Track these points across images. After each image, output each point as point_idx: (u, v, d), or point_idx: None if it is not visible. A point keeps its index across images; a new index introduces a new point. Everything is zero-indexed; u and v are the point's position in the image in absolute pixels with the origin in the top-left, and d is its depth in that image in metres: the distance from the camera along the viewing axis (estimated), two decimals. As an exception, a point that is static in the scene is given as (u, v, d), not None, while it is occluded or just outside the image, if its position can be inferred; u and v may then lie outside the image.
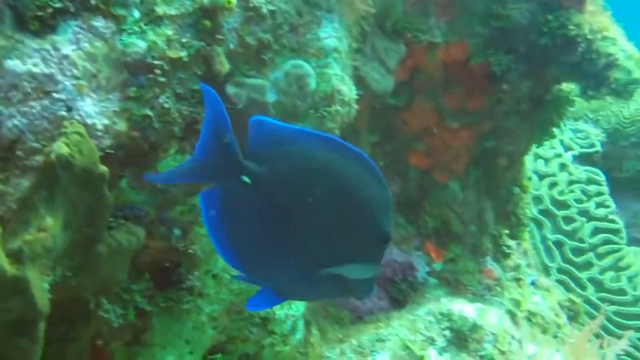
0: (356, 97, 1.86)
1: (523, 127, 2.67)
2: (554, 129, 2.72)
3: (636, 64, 2.35)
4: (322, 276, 1.25)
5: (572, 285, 4.44)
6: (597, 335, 3.20)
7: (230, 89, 1.68)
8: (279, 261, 1.27)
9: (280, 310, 1.91)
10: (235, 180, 1.22)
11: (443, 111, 2.53)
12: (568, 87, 2.61)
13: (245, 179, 1.21)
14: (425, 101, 2.50)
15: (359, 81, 2.06)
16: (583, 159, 4.95)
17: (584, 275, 4.50)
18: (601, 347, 2.36)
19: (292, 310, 1.94)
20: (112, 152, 1.50)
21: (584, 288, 4.46)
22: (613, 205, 4.73)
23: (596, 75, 2.39)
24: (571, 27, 2.37)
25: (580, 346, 2.27)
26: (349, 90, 1.83)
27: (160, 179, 1.57)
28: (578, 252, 4.55)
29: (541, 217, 4.61)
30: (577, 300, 3.17)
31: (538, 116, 2.67)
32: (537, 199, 4.68)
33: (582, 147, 4.99)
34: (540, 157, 4.87)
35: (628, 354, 4.31)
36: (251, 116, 1.31)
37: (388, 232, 1.27)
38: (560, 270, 4.50)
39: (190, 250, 1.73)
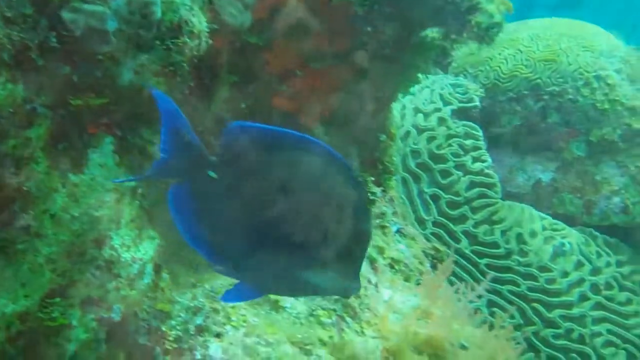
0: (207, 30, 1.79)
1: (389, 72, 2.64)
2: (420, 75, 2.70)
3: (497, 8, 2.33)
4: (301, 278, 1.25)
5: (447, 238, 4.51)
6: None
7: (67, 15, 1.57)
8: (255, 257, 1.26)
9: (126, 253, 1.83)
10: (202, 175, 1.23)
11: (306, 52, 2.46)
12: (433, 32, 2.58)
13: (212, 173, 1.22)
14: (287, 41, 2.42)
15: (214, 16, 1.98)
16: (461, 113, 5.01)
17: (458, 229, 4.58)
18: (458, 290, 2.38)
19: (139, 254, 1.86)
20: None
21: (458, 241, 4.54)
22: (489, 160, 4.80)
23: (458, 18, 2.37)
24: (435, -30, 2.33)
25: (434, 289, 2.28)
26: (198, 22, 1.74)
27: (130, 180, 1.62)
28: (453, 205, 4.62)
29: (419, 170, 4.66)
30: (442, 248, 3.20)
31: (403, 61, 2.64)
32: (416, 153, 4.72)
33: (460, 102, 5.03)
34: (420, 112, 4.91)
35: (500, 307, 4.44)
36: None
37: (368, 230, 1.30)
38: (435, 224, 4.57)
39: (24, 188, 1.62)
